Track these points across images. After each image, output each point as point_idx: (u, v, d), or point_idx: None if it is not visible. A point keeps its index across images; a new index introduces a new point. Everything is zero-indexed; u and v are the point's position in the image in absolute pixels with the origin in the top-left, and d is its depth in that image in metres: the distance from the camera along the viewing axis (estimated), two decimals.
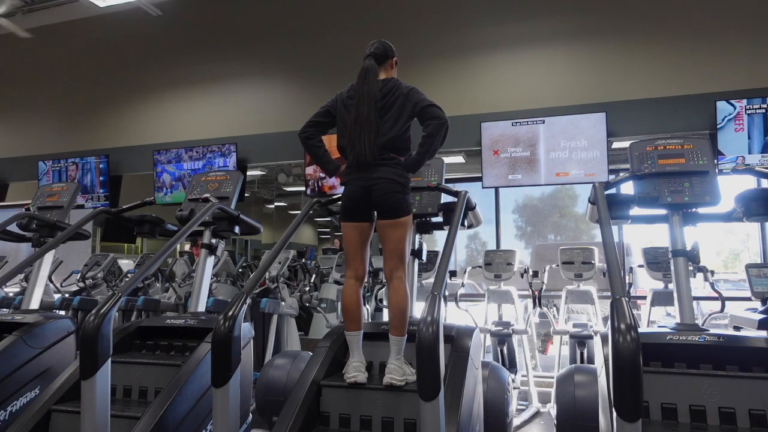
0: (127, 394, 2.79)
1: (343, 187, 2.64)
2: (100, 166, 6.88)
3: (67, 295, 5.13)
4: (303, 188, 6.26)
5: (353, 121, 2.54)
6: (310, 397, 2.47)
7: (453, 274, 4.76)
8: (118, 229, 7.66)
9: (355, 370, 2.47)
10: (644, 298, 4.66)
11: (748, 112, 4.72)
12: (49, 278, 5.03)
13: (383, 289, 4.36)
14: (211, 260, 3.35)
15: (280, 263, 4.88)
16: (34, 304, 3.55)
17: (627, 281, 4.70)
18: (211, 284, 4.52)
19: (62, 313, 4.59)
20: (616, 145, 5.27)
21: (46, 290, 4.35)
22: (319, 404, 2.52)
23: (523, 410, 4.26)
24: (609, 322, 1.93)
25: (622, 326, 1.77)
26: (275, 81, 6.52)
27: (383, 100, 2.55)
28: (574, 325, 4.37)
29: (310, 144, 2.67)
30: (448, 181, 3.12)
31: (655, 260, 4.37)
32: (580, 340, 4.25)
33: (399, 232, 2.53)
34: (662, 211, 2.72)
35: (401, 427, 2.39)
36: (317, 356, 2.67)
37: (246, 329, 2.83)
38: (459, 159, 6.26)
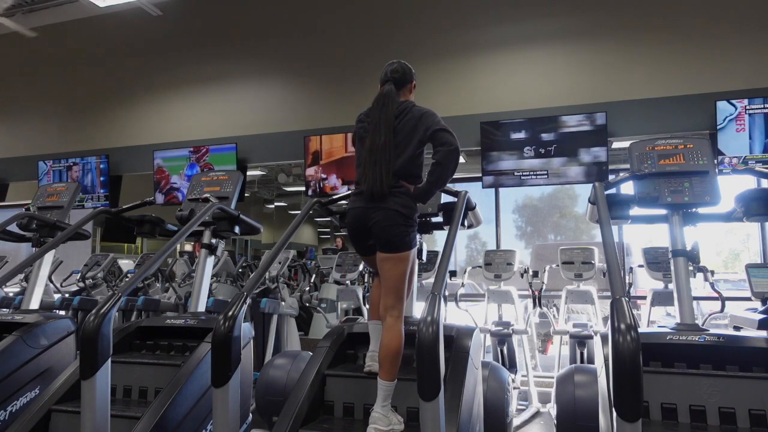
0: (127, 394, 2.80)
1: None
2: (101, 166, 6.88)
3: (67, 295, 5.13)
4: (303, 188, 6.26)
5: (368, 149, 2.38)
6: (315, 386, 2.51)
7: (453, 274, 4.75)
8: (118, 229, 7.66)
9: (371, 360, 2.48)
10: (644, 298, 4.65)
11: (749, 112, 4.72)
12: (49, 278, 5.03)
13: None
14: (211, 260, 3.35)
15: (280, 263, 4.88)
16: (34, 304, 3.56)
17: (627, 281, 4.69)
18: (211, 284, 4.52)
19: (62, 313, 4.60)
20: (616, 145, 5.26)
21: (46, 290, 4.35)
22: (324, 393, 2.56)
23: (523, 410, 4.26)
24: (609, 322, 1.93)
25: (622, 326, 1.77)
26: (275, 81, 6.52)
27: (395, 121, 2.39)
28: (574, 325, 4.36)
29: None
30: None
31: (655, 260, 4.37)
32: (580, 340, 4.24)
33: (398, 269, 2.34)
34: (662, 211, 2.72)
35: (404, 416, 2.40)
36: (317, 356, 2.67)
37: (246, 329, 2.83)
38: (459, 159, 6.26)
